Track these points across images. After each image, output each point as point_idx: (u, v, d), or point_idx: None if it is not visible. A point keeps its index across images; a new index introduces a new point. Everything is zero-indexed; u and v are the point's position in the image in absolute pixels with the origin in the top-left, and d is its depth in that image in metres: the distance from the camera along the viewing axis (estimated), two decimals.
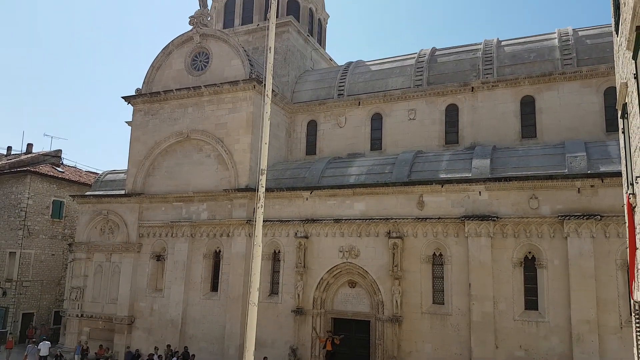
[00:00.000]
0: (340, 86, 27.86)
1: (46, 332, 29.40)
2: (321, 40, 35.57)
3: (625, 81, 8.61)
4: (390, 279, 20.77)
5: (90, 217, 28.16)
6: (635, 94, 7.36)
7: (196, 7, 28.72)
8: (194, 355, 22.69)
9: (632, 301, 8.60)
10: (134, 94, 28.38)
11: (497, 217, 19.46)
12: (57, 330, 31.82)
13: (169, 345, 23.68)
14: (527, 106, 23.69)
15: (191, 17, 27.89)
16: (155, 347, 23.92)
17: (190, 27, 27.90)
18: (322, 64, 33.31)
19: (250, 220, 23.58)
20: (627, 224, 8.67)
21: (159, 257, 26.13)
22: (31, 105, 78.34)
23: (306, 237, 22.70)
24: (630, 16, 6.94)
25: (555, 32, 24.77)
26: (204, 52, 27.63)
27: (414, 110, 25.67)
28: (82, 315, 26.92)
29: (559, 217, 18.50)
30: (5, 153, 39.97)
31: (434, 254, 20.69)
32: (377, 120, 26.64)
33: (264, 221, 10.26)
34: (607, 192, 17.98)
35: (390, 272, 20.75)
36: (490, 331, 18.85)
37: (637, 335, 8.31)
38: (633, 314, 8.63)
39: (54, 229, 34.27)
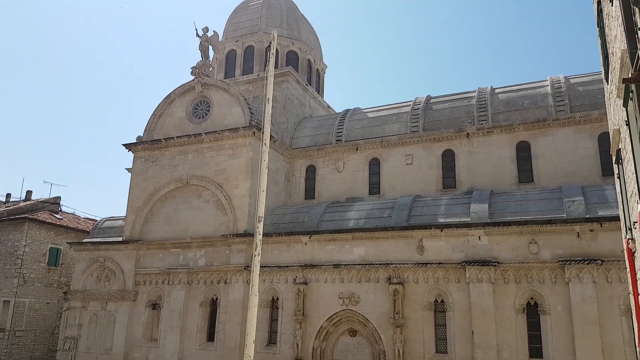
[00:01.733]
0: (338, 132, 28.30)
1: None
2: (319, 89, 36.43)
3: (618, 127, 8.79)
4: (392, 327, 20.38)
5: (86, 265, 27.88)
6: (628, 140, 7.50)
7: (198, 57, 29.49)
8: None
9: (638, 348, 8.45)
10: (134, 141, 28.76)
11: (498, 262, 19.33)
12: None
13: None
14: (523, 151, 23.99)
15: (193, 67, 28.68)
16: None
17: (192, 77, 28.63)
18: (320, 111, 33.96)
19: (248, 267, 23.35)
20: (628, 269, 8.64)
21: (154, 306, 25.70)
22: (31, 152, 79.02)
23: (305, 283, 22.43)
24: (619, 65, 7.19)
25: (547, 80, 25.42)
26: (205, 101, 28.23)
27: (411, 155, 25.97)
28: None
29: (560, 262, 18.38)
30: (4, 200, 39.97)
31: (436, 300, 20.39)
32: (375, 165, 26.89)
33: (262, 267, 10.21)
34: (607, 236, 17.94)
35: (391, 319, 20.39)
36: None
37: None
38: None
39: (50, 277, 33.83)
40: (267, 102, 9.13)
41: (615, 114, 9.13)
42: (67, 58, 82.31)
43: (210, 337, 24.18)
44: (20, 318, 31.80)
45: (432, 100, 27.70)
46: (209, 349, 23.78)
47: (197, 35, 29.61)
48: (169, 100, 28.96)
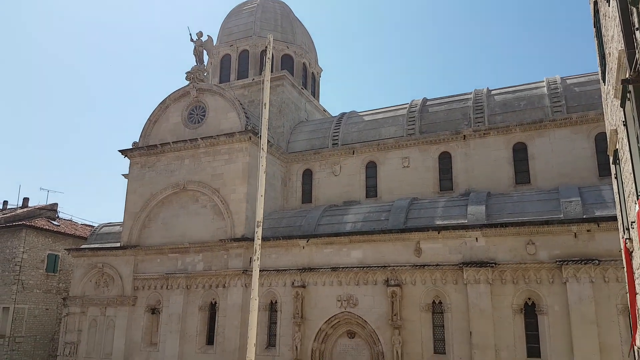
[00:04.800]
0: (334, 136, 28.33)
1: None
2: (315, 93, 36.46)
3: (615, 128, 8.84)
4: (390, 329, 20.41)
5: (85, 271, 27.81)
6: (626, 140, 7.53)
7: (193, 62, 29.49)
8: None
9: (635, 347, 8.51)
10: (130, 147, 28.71)
11: (495, 264, 19.39)
12: None
13: None
14: (520, 153, 24.07)
15: (188, 72, 28.67)
16: None
17: (187, 82, 28.61)
18: (316, 115, 33.99)
19: (246, 271, 23.37)
20: (625, 269, 8.69)
21: (153, 310, 25.66)
22: (28, 159, 78.75)
23: (303, 286, 22.44)
24: (616, 66, 7.23)
25: (543, 81, 25.53)
26: (201, 106, 28.22)
27: (407, 158, 26.02)
28: None
29: (557, 263, 18.46)
30: (1, 207, 39.86)
31: (434, 301, 20.44)
32: (371, 168, 26.93)
33: (260, 271, 10.22)
34: (604, 236, 18.04)
35: (389, 321, 20.42)
36: None
37: None
38: None
39: (49, 283, 33.73)
40: (264, 107, 9.16)
41: (613, 114, 9.18)
42: (62, 64, 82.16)
43: (210, 340, 24.16)
44: (20, 324, 31.71)
45: (428, 103, 27.78)
46: (209, 352, 23.74)
47: (192, 40, 29.62)
48: (164, 106, 28.94)
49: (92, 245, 28.82)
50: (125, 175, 29.70)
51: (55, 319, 33.37)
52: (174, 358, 24.03)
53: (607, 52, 9.01)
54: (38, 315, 32.79)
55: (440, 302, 20.32)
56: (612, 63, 8.28)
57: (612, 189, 12.13)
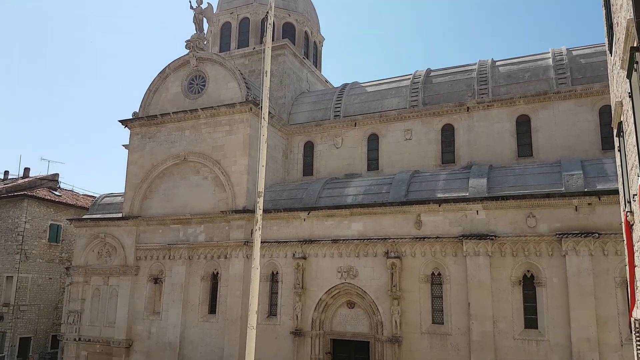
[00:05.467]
0: (336, 107, 28.07)
1: None
2: (317, 63, 35.96)
3: (620, 100, 8.71)
4: (389, 299, 20.65)
5: (87, 241, 28.03)
6: (631, 112, 7.43)
7: (193, 31, 29.00)
8: None
9: (632, 319, 8.57)
10: (131, 117, 28.52)
11: (495, 236, 19.46)
12: (54, 355, 31.40)
13: None
14: (523, 125, 23.88)
15: (188, 41, 28.22)
16: None
17: (187, 51, 28.21)
18: (318, 86, 33.62)
19: (248, 242, 23.51)
20: (625, 242, 8.68)
21: (156, 280, 25.96)
22: (28, 129, 78.55)
23: (304, 258, 22.61)
24: (624, 36, 7.07)
25: (549, 52, 25.11)
26: (201, 75, 27.88)
27: (410, 130, 25.84)
28: (79, 339, 26.60)
29: (557, 236, 18.51)
30: (2, 177, 39.95)
31: (433, 273, 20.62)
32: (373, 141, 26.77)
33: (261, 242, 10.24)
34: (605, 209, 18.03)
35: (389, 292, 20.64)
36: (490, 350, 18.69)
37: (637, 353, 8.26)
38: (633, 332, 8.59)
39: (51, 253, 34.08)
40: (265, 74, 8.99)
41: (618, 85, 9.03)
42: (63, 34, 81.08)
43: (212, 309, 24.50)
44: (24, 293, 32.20)
45: (432, 74, 27.42)
46: (211, 321, 24.12)
47: (191, 7, 29.07)
48: (163, 75, 28.59)
49: (94, 216, 28.96)
50: (125, 146, 29.63)
51: (59, 288, 33.86)
52: (177, 326, 24.43)
53: (615, 21, 8.80)
54: (41, 285, 33.25)
55: (439, 274, 20.49)
56: (619, 33, 8.09)
57: (615, 162, 12.07)
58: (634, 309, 8.27)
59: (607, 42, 10.50)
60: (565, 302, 18.07)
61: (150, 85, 28.71)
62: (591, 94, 22.51)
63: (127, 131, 28.71)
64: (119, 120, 28.65)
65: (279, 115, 28.16)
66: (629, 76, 7.23)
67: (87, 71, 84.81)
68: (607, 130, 21.36)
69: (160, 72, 28.61)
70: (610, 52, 10.07)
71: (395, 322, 20.32)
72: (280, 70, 29.59)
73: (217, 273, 24.69)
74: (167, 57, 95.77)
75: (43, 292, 33.29)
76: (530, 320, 18.79)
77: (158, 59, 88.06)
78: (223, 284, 24.24)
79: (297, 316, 22.14)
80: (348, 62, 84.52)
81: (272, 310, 23.29)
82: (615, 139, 10.09)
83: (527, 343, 18.46)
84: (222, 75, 27.17)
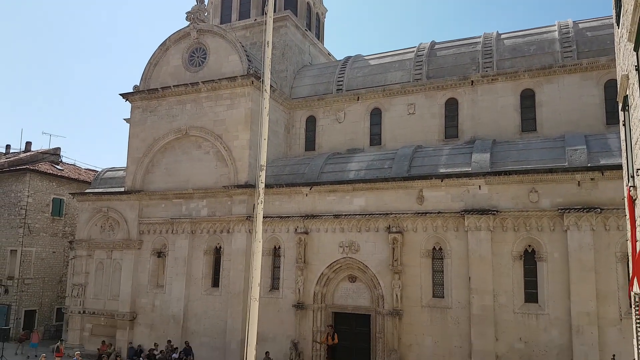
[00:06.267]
0: (339, 81, 27.77)
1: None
2: (319, 35, 35.43)
3: (627, 73, 8.58)
4: (390, 273, 20.80)
5: (90, 215, 28.16)
6: (637, 85, 7.32)
7: (193, 2, 28.50)
8: (185, 350, 22.77)
9: (632, 293, 8.61)
10: (131, 90, 28.30)
11: (497, 211, 19.46)
12: (59, 327, 31.93)
13: (169, 341, 23.73)
14: (527, 100, 23.64)
15: (188, 12, 27.77)
16: (155, 343, 24.05)
17: (187, 23, 27.79)
18: (320, 59, 33.20)
19: (250, 217, 23.59)
20: (627, 217, 8.66)
21: (159, 254, 26.17)
22: (29, 103, 78.21)
23: (306, 232, 22.70)
24: (632, 7, 6.90)
25: (555, 25, 24.67)
26: (202, 48, 27.52)
27: (413, 104, 25.61)
28: (84, 312, 27.01)
29: (559, 211, 18.50)
30: (4, 151, 39.93)
31: (434, 248, 20.71)
32: (376, 115, 26.57)
33: (264, 217, 10.26)
34: (608, 185, 17.96)
35: (390, 266, 20.78)
36: (490, 324, 18.90)
37: (637, 327, 8.32)
38: (633, 306, 8.64)
39: (55, 227, 34.30)
40: (266, 45, 8.83)
41: (625, 59, 8.88)
42: (64, 7, 79.92)
43: (215, 283, 24.76)
44: (28, 267, 32.52)
45: (436, 46, 27.02)
46: (214, 294, 24.40)
47: None
48: (164, 48, 28.24)
49: (97, 190, 29.02)
50: (127, 120, 29.49)
51: (63, 261, 34.19)
52: (181, 300, 24.73)
53: None
54: (45, 258, 33.56)
55: (440, 249, 20.58)
56: (628, 4, 7.91)
57: (619, 137, 11.94)
58: (635, 282, 8.29)
59: (614, 14, 10.29)
60: (565, 276, 18.18)
61: (150, 58, 28.40)
62: (597, 67, 22.21)
63: (128, 105, 28.55)
64: (120, 94, 28.48)
65: (281, 89, 27.90)
66: (636, 48, 7.10)
67: (89, 45, 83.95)
68: (612, 105, 21.14)
69: (160, 45, 28.26)
70: (618, 25, 9.87)
71: (396, 295, 20.52)
72: (282, 42, 29.19)
73: (220, 247, 24.85)
74: (170, 30, 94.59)
75: (47, 266, 33.64)
76: (531, 294, 18.94)
77: (161, 33, 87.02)
78: (226, 258, 24.42)
79: (299, 290, 22.37)
80: (351, 34, 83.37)
81: (274, 284, 23.51)
82: (620, 113, 9.98)
83: (527, 317, 18.65)
84: (223, 47, 26.81)
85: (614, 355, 16.46)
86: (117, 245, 26.88)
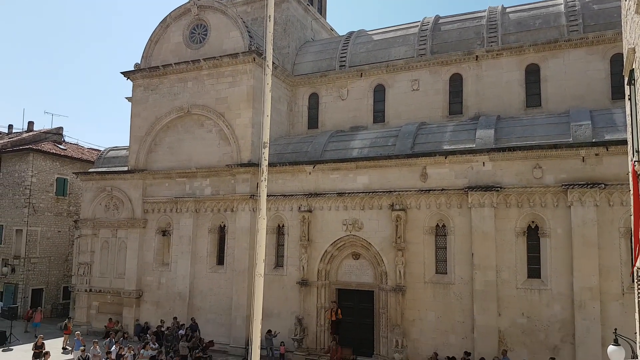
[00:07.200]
0: (342, 57, 27.46)
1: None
2: (321, 10, 34.91)
3: (633, 46, 8.42)
4: (394, 250, 20.90)
5: (94, 194, 28.29)
6: None
7: None
8: (192, 326, 23.10)
9: (635, 268, 8.62)
10: (133, 69, 28.09)
11: (501, 188, 19.42)
12: (66, 305, 32.40)
13: (175, 318, 24.06)
14: (532, 75, 23.36)
15: None
16: (161, 320, 24.42)
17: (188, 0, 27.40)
18: (322, 34, 32.77)
19: (253, 195, 23.64)
20: (631, 192, 8.61)
21: (164, 232, 26.34)
22: (31, 82, 77.87)
23: (310, 211, 22.76)
24: None
25: None
26: (202, 24, 27.19)
27: (417, 80, 25.36)
28: (90, 290, 27.37)
29: (563, 187, 18.44)
30: (6, 131, 39.94)
31: (437, 225, 20.74)
32: (379, 92, 26.34)
33: (267, 196, 10.24)
34: (612, 160, 17.86)
35: (393, 243, 20.87)
36: (493, 299, 19.05)
37: (639, 301, 8.36)
38: (635, 281, 8.66)
39: (59, 206, 34.50)
40: (268, 19, 8.70)
41: (632, 31, 8.71)
42: None
43: (220, 260, 24.97)
44: (34, 246, 32.83)
45: (440, 21, 26.62)
46: (219, 272, 24.63)
47: None
48: (165, 25, 27.91)
49: (100, 169, 29.08)
50: (128, 99, 29.35)
51: (68, 240, 34.49)
52: (186, 277, 24.99)
53: None
54: (51, 237, 33.85)
55: (443, 226, 20.62)
56: None
57: (624, 112, 11.82)
58: (638, 257, 8.29)
59: None
60: (568, 252, 18.22)
61: (151, 36, 28.11)
62: (603, 41, 21.88)
63: (130, 84, 28.38)
64: (121, 72, 28.29)
65: (283, 66, 27.63)
66: None
67: (91, 23, 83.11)
68: (618, 80, 20.86)
69: (161, 22, 27.93)
70: None
71: (400, 272, 20.65)
72: (284, 17, 28.79)
73: (224, 226, 24.97)
74: (172, 7, 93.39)
75: (53, 245, 33.96)
76: (534, 270, 19.02)
77: (163, 10, 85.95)
78: (230, 236, 24.57)
79: (303, 267, 22.54)
80: (354, 8, 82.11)
81: (278, 261, 23.69)
82: (626, 87, 9.83)
83: (529, 292, 18.77)
84: (224, 23, 26.47)
85: (615, 329, 16.59)
86: (121, 224, 27.06)
